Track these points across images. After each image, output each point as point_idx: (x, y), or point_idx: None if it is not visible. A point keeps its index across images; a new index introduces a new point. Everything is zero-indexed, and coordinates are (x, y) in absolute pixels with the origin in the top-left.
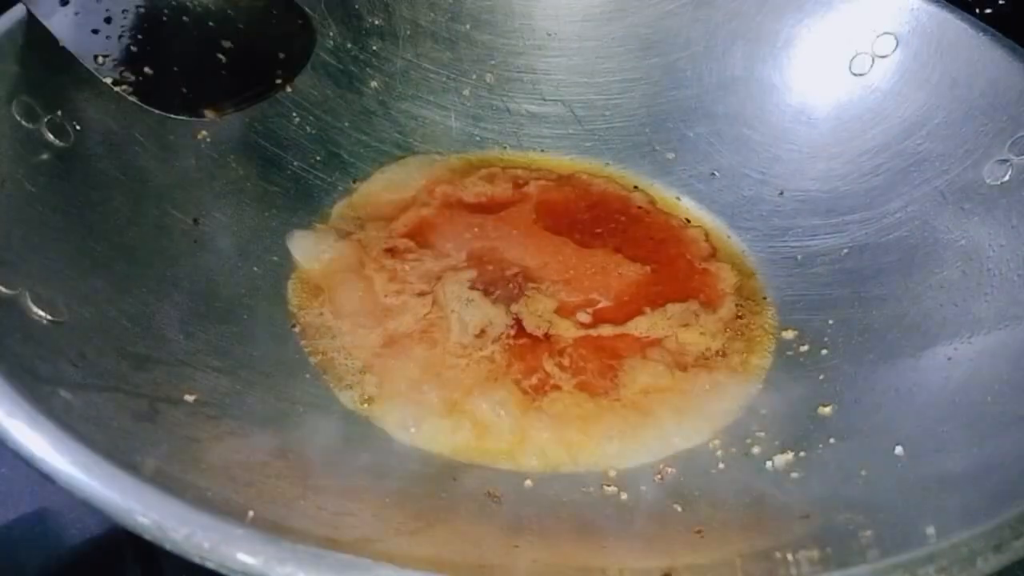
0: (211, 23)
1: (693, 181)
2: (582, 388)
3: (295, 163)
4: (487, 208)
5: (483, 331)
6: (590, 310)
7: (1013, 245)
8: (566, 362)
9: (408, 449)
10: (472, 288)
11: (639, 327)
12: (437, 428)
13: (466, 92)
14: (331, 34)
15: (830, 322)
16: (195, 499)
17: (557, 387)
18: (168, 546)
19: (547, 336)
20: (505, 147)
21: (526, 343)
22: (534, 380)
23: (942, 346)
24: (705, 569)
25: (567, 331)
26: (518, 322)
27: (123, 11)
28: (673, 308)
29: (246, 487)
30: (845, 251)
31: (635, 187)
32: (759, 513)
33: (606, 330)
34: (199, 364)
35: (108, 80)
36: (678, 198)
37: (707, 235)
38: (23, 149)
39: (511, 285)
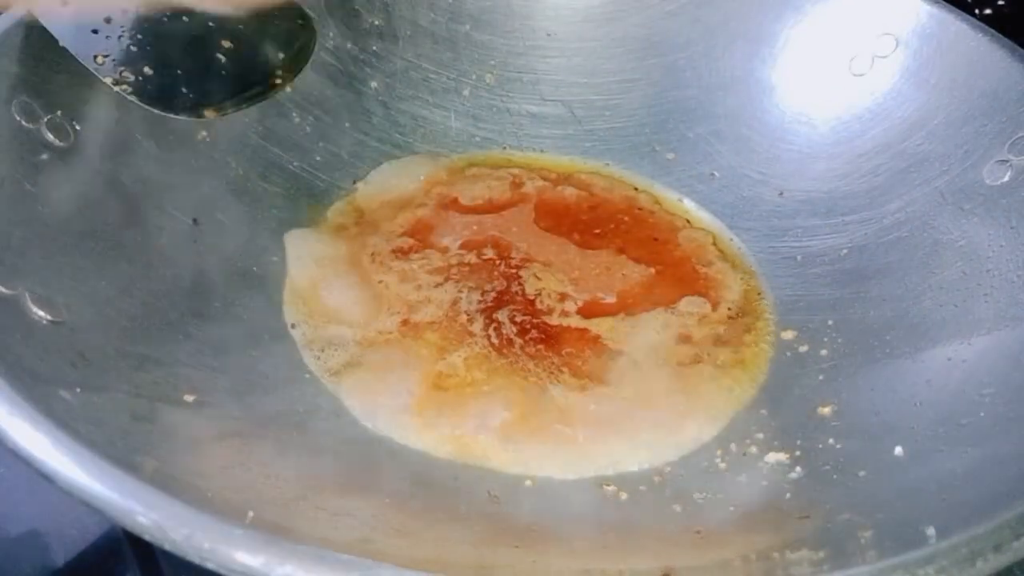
0: (211, 23)
1: (693, 181)
2: (570, 382)
3: (295, 163)
4: (486, 209)
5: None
6: (578, 301)
7: (1013, 245)
8: (517, 319)
9: (409, 449)
10: (470, 272)
11: (600, 327)
12: (439, 429)
13: (466, 92)
14: (331, 34)
15: (830, 322)
16: (195, 499)
17: (512, 343)
18: (168, 546)
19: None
20: (505, 147)
21: (499, 302)
22: (491, 334)
23: (942, 346)
24: (705, 569)
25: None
26: (508, 284)
27: (123, 11)
28: (647, 316)
29: (246, 487)
30: (845, 251)
31: (635, 188)
32: (759, 513)
33: (572, 321)
34: (199, 364)
35: (108, 80)
36: (679, 199)
37: (715, 238)
38: (23, 149)
39: (516, 266)
